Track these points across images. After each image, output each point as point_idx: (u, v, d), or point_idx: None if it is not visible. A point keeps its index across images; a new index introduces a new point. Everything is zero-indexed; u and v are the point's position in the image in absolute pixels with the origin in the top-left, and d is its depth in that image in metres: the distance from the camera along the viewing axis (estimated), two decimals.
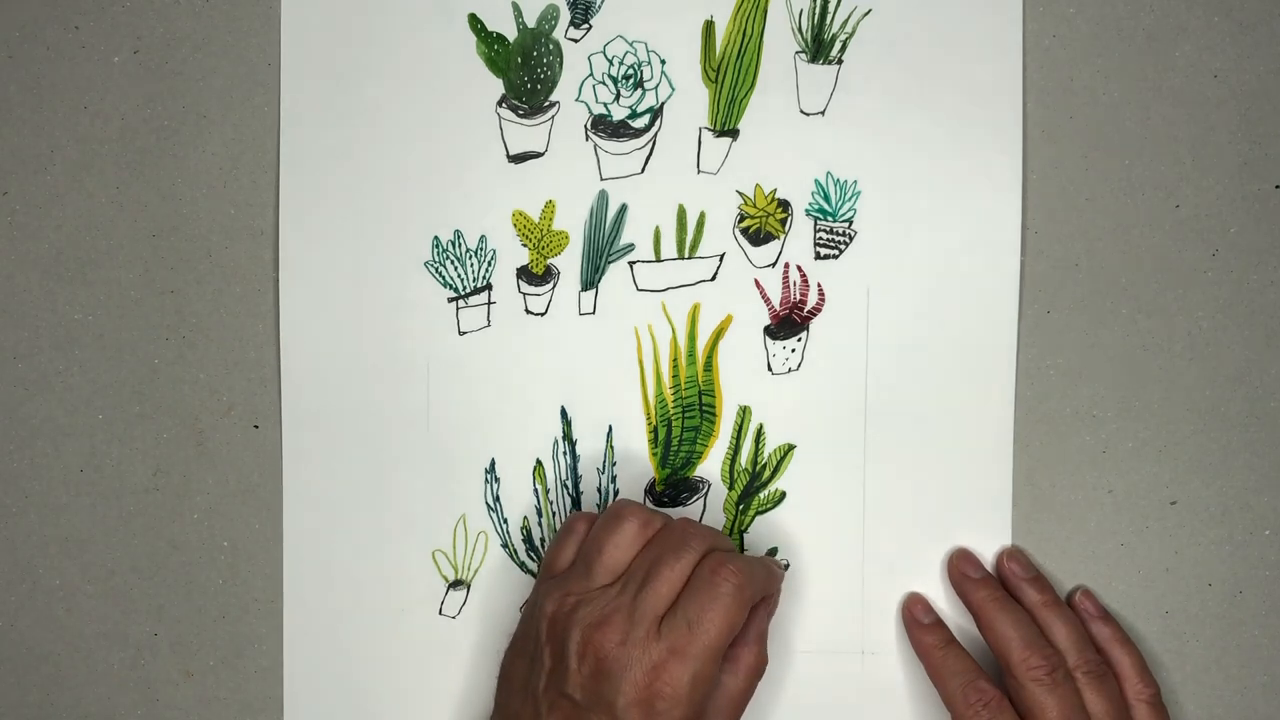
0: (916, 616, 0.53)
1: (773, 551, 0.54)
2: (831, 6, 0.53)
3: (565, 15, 0.54)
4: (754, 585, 0.47)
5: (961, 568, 0.53)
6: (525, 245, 0.54)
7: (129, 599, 0.55)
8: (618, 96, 0.54)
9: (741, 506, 0.54)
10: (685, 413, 0.54)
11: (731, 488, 0.54)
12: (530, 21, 0.54)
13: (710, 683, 0.46)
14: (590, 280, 0.54)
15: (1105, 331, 0.54)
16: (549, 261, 0.54)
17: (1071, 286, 0.54)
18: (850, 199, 0.54)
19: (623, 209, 0.54)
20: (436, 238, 0.54)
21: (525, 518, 0.55)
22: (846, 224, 0.54)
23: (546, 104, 0.54)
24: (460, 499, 0.54)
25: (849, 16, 0.53)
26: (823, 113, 0.53)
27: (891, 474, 0.54)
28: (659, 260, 0.54)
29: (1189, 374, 0.54)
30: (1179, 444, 0.54)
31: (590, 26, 0.54)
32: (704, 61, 0.54)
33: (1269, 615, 0.54)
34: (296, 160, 0.54)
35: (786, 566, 0.54)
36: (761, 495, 0.54)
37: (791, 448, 0.54)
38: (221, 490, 0.55)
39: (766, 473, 0.54)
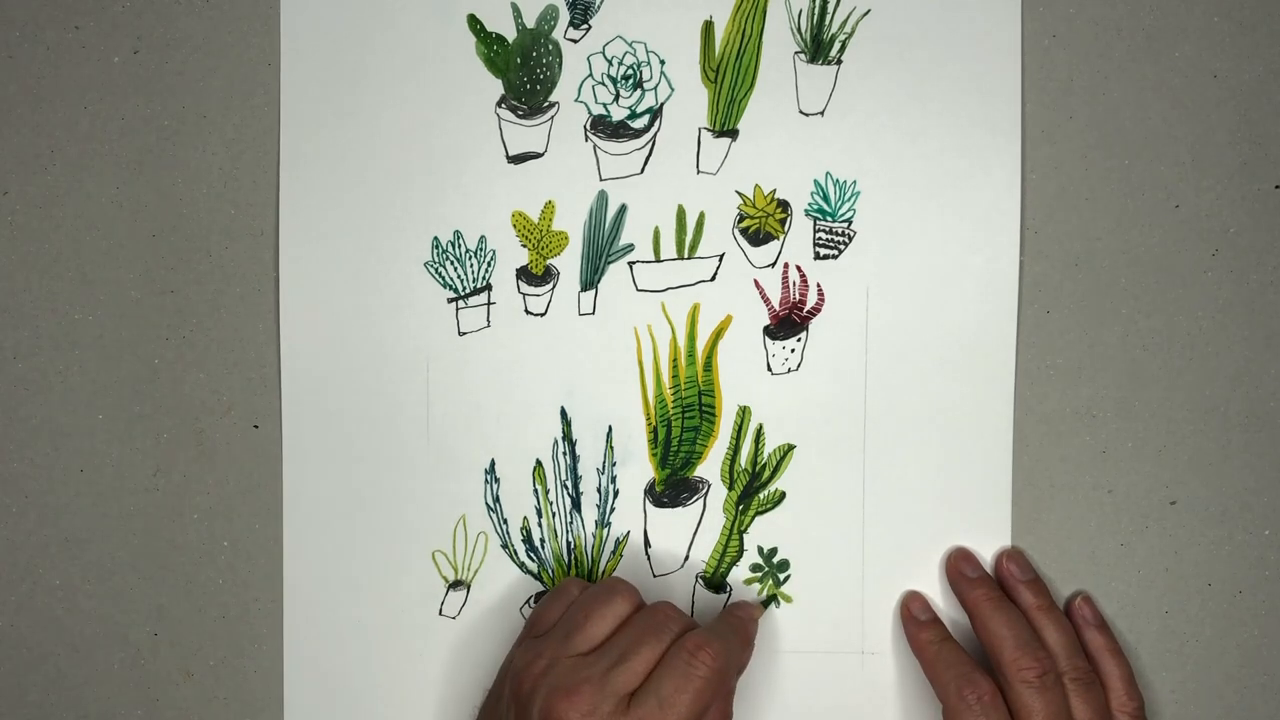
0: (913, 613, 0.53)
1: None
2: (830, 6, 0.53)
3: (564, 15, 0.54)
4: (730, 668, 0.47)
5: (959, 567, 0.53)
6: (525, 245, 0.54)
7: (129, 599, 0.55)
8: (617, 97, 0.54)
9: (741, 506, 0.54)
10: (685, 413, 0.54)
11: (731, 488, 0.54)
12: (530, 22, 0.54)
13: None
14: (590, 280, 0.54)
15: (1105, 331, 0.54)
16: (549, 262, 0.54)
17: (1071, 286, 0.54)
18: (849, 199, 0.53)
19: (622, 209, 0.54)
20: (436, 238, 0.54)
21: (525, 518, 0.54)
22: (846, 224, 0.54)
23: (546, 104, 0.54)
24: (460, 499, 0.54)
25: (848, 17, 0.53)
26: (822, 113, 0.53)
27: (891, 474, 0.54)
28: (659, 260, 0.54)
29: (1189, 374, 0.54)
30: (1179, 444, 0.54)
31: (589, 27, 0.54)
32: (703, 62, 0.54)
33: (1269, 615, 0.54)
34: (296, 160, 0.54)
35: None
36: (761, 495, 0.54)
37: (791, 448, 0.54)
38: (221, 490, 0.55)
39: (766, 473, 0.54)
